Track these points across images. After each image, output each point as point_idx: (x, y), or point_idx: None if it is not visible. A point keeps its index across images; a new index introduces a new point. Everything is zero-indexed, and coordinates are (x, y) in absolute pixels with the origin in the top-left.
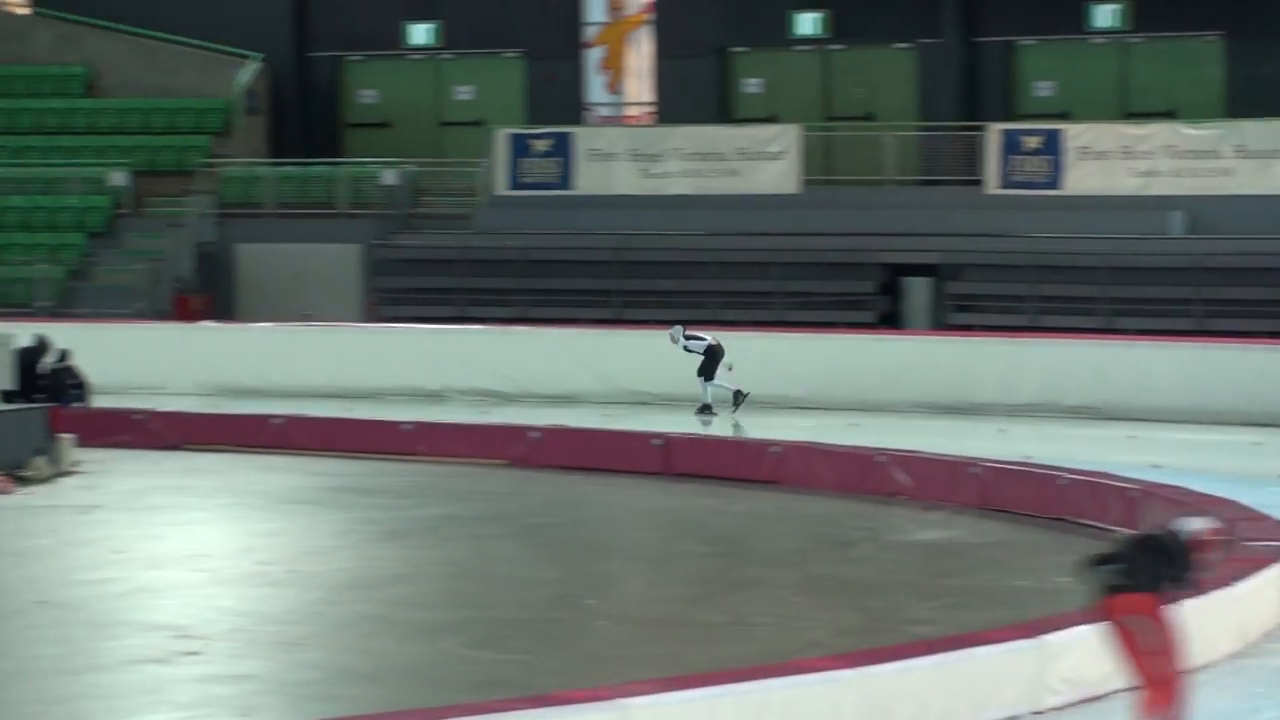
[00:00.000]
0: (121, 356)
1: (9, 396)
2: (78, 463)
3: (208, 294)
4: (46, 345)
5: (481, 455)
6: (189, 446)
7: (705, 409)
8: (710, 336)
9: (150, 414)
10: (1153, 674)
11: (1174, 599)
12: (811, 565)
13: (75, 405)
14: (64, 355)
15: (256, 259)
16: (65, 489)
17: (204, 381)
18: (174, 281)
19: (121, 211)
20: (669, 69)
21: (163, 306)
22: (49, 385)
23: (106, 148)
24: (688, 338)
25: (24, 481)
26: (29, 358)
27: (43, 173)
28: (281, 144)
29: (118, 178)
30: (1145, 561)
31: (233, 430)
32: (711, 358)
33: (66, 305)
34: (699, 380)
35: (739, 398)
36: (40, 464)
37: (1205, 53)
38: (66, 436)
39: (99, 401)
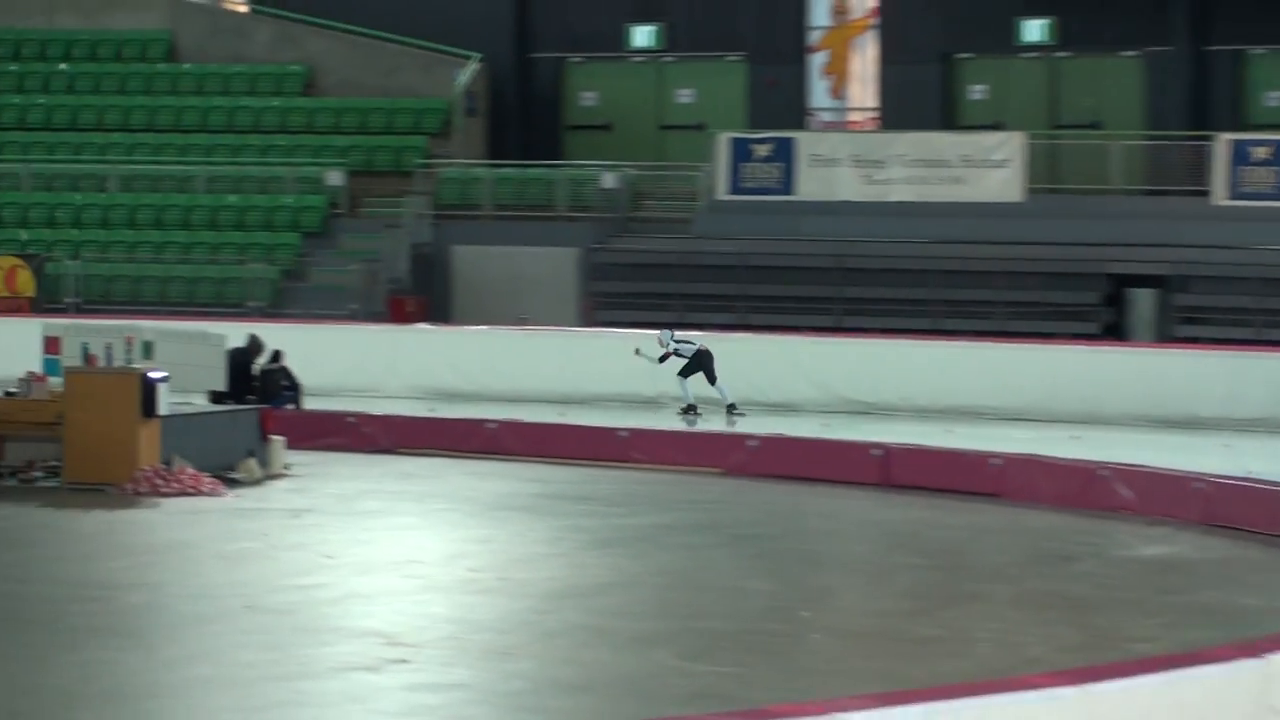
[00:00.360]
0: (335, 358)
1: (220, 397)
2: (289, 465)
3: (422, 296)
4: (259, 346)
5: (697, 463)
6: (401, 450)
7: (690, 409)
8: (699, 342)
9: (363, 417)
10: None
11: None
12: (1031, 580)
13: (287, 407)
14: (277, 356)
15: (472, 261)
16: (276, 492)
17: (417, 385)
18: (389, 283)
19: (337, 211)
20: (893, 75)
21: (377, 308)
22: (261, 386)
23: (323, 147)
24: (678, 341)
25: (234, 483)
26: (241, 358)
27: (259, 171)
28: (500, 146)
29: (334, 177)
30: None
31: (446, 435)
32: (699, 361)
33: (280, 305)
34: (679, 380)
35: (693, 411)
36: (251, 466)
37: None
38: (278, 438)
39: (311, 403)
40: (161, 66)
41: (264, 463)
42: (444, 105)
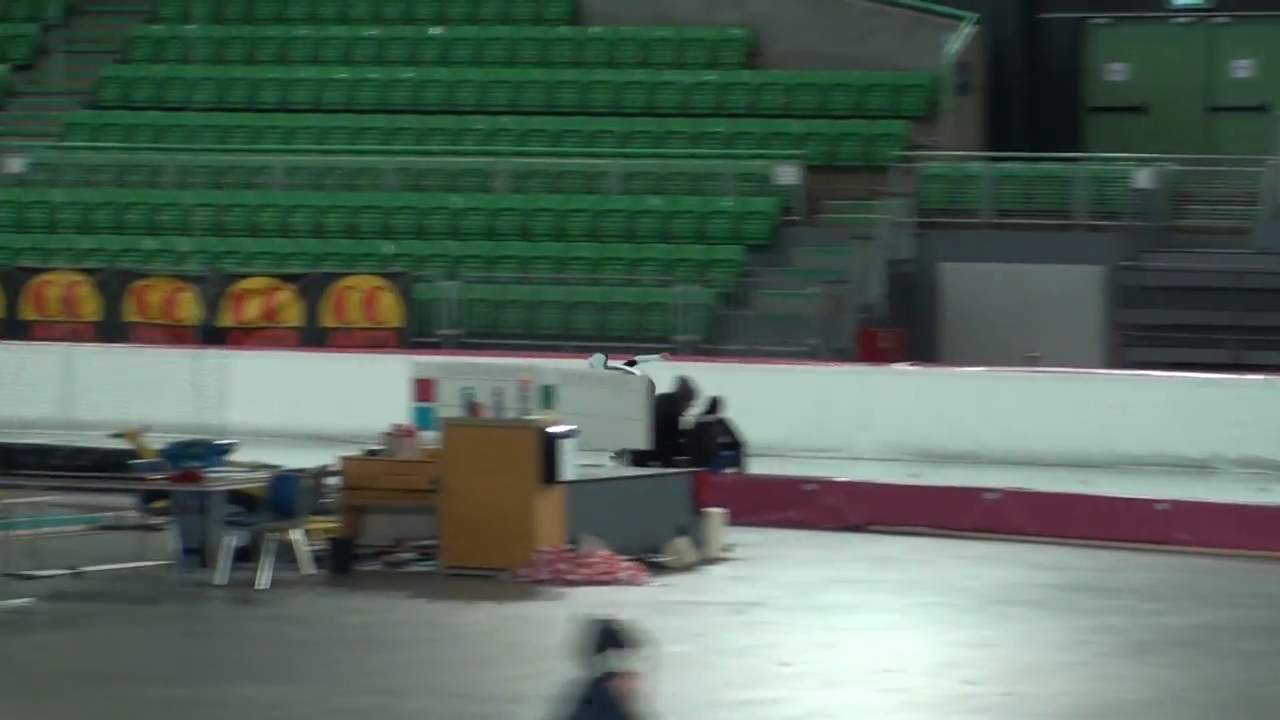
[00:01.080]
0: (787, 407)
1: (642, 459)
2: (730, 546)
3: (902, 328)
4: (692, 392)
5: (1260, 546)
6: (875, 527)
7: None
8: (639, 371)
9: (825, 484)
10: None
11: None
12: None
13: (727, 470)
14: (714, 405)
15: (966, 283)
16: (714, 580)
17: (895, 442)
18: (858, 311)
19: (790, 218)
20: None
21: (842, 343)
22: (694, 444)
23: (771, 135)
24: (610, 369)
25: (660, 569)
26: (668, 408)
27: (688, 166)
28: (1002, 133)
29: (786, 174)
30: None
31: (933, 507)
32: None
33: (717, 340)
34: None
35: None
36: (682, 547)
37: None
38: (716, 511)
39: (757, 466)
40: (562, 30)
41: (698, 543)
42: (928, 81)
